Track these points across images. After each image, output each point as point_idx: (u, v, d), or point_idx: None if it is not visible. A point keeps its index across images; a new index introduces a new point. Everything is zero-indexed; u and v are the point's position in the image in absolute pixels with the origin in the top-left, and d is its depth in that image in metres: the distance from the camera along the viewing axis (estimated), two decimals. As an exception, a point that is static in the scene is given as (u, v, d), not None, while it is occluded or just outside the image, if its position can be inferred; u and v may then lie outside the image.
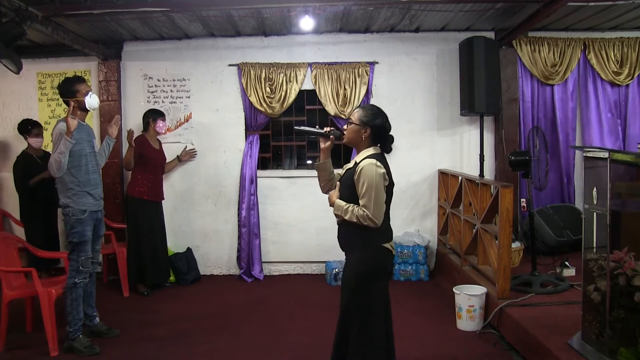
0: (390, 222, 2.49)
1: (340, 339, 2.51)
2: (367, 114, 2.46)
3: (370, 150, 2.46)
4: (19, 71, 3.90)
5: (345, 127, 2.55)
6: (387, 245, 2.44)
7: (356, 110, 2.52)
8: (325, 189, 2.62)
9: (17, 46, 3.89)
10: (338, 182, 2.54)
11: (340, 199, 2.46)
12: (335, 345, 2.53)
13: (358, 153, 2.51)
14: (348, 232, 2.46)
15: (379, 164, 2.36)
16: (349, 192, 2.42)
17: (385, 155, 2.53)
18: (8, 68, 3.83)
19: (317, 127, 2.62)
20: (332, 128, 2.58)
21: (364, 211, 2.33)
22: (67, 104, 3.43)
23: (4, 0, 3.48)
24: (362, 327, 2.41)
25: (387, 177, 2.39)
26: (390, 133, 2.52)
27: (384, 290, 2.50)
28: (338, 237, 2.56)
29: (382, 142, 2.51)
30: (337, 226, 2.55)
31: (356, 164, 2.43)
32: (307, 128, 2.61)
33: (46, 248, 4.31)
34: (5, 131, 5.32)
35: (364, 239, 2.42)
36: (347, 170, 2.53)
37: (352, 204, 2.39)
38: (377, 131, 2.46)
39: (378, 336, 2.44)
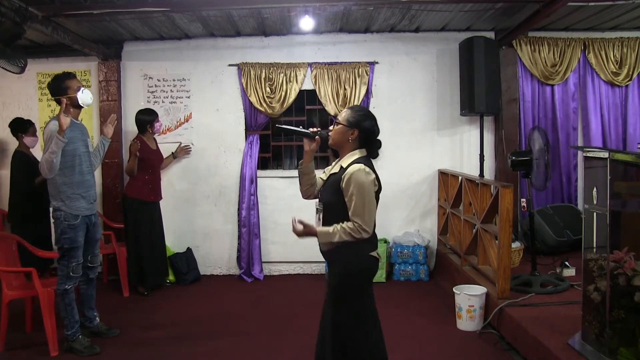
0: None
1: (322, 351, 2.36)
2: (355, 115, 2.31)
3: (357, 154, 2.30)
4: (22, 71, 3.87)
5: (331, 127, 2.38)
6: (374, 253, 2.30)
7: (344, 110, 2.36)
8: (307, 195, 2.48)
9: (17, 46, 3.88)
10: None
11: (325, 205, 2.30)
12: (318, 356, 2.41)
13: (342, 156, 2.36)
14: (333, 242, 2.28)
15: (368, 169, 2.22)
16: (335, 198, 2.25)
17: (382, 156, 2.42)
18: (8, 70, 3.81)
19: (300, 127, 2.46)
20: (318, 129, 2.41)
21: (355, 224, 2.17)
22: (59, 102, 3.27)
23: (4, 0, 3.47)
24: (353, 337, 2.28)
25: (376, 182, 2.26)
26: (379, 137, 2.38)
27: (372, 296, 2.37)
28: (321, 245, 2.38)
29: (369, 146, 2.35)
30: None
31: (342, 168, 2.28)
32: (290, 127, 2.46)
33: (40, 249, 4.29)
34: (5, 131, 5.31)
35: (352, 249, 2.24)
36: (331, 174, 2.36)
37: (336, 225, 2.21)
38: (365, 134, 2.31)
39: (372, 344, 2.33)
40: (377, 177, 2.28)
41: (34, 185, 4.55)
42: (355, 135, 2.31)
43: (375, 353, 2.34)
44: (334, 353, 2.29)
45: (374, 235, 2.33)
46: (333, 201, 2.27)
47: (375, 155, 2.39)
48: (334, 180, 2.29)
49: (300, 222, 2.24)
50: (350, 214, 2.20)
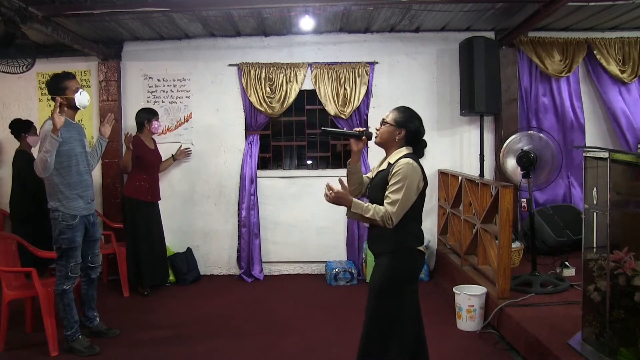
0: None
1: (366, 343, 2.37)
2: (402, 116, 2.43)
3: (404, 151, 2.39)
4: (29, 68, 3.85)
5: (377, 127, 2.49)
6: (420, 248, 2.37)
7: (391, 111, 2.48)
8: (354, 194, 2.52)
9: (24, 43, 3.86)
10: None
11: (372, 202, 2.32)
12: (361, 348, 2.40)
13: (388, 154, 2.45)
14: (381, 234, 2.33)
15: (415, 165, 2.29)
16: (382, 195, 2.28)
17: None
18: (8, 73, 3.80)
19: (344, 128, 2.55)
20: (363, 129, 2.54)
21: (387, 210, 2.20)
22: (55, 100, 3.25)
23: (4, 0, 3.47)
24: (390, 331, 2.30)
25: (423, 180, 2.32)
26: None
27: (416, 293, 2.41)
28: (368, 239, 2.49)
29: (415, 145, 2.45)
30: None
31: (389, 164, 2.34)
32: (337, 130, 2.56)
33: (41, 248, 4.29)
34: (5, 131, 5.31)
35: (400, 242, 2.32)
36: (378, 172, 2.43)
37: (371, 204, 2.26)
38: (412, 134, 2.42)
39: (407, 340, 2.36)
40: (423, 174, 2.34)
41: (31, 183, 4.54)
42: (402, 134, 2.41)
43: (406, 351, 2.35)
44: (366, 345, 2.32)
45: (420, 230, 2.40)
46: (381, 197, 2.29)
47: (422, 155, 2.47)
48: (382, 177, 2.36)
49: (330, 188, 2.20)
50: (385, 201, 2.24)
